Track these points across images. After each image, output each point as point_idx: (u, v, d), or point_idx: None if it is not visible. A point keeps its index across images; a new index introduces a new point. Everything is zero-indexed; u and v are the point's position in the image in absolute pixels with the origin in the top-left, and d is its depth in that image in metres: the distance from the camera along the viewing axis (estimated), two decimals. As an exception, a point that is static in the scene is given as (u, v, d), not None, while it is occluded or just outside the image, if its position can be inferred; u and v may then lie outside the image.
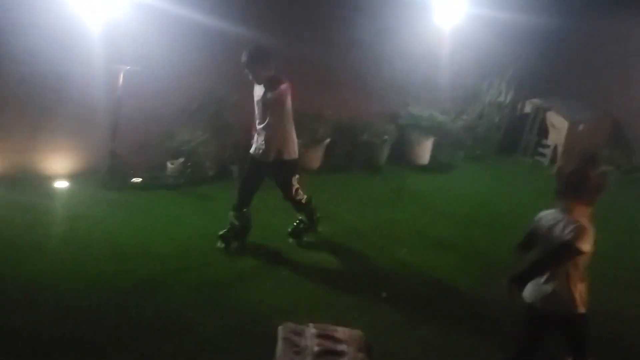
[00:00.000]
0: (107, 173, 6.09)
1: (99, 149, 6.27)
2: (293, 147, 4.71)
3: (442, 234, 5.60)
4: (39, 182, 6.03)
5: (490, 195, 7.12)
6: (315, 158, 7.58)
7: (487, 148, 8.86)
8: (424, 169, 8.18)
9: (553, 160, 8.64)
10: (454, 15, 8.17)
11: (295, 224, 5.04)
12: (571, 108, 8.66)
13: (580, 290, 2.85)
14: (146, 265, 4.41)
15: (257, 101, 4.66)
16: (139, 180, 6.27)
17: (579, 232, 2.73)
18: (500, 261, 4.97)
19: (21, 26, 5.66)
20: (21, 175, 5.99)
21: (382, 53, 7.81)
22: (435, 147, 8.36)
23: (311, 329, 3.51)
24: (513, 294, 2.95)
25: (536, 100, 8.94)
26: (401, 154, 8.27)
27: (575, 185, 2.87)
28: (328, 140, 7.54)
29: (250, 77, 4.60)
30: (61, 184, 6.08)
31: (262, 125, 4.60)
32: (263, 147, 4.60)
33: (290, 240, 5.02)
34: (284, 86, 4.51)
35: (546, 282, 2.87)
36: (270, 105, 4.52)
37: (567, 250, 2.75)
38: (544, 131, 8.90)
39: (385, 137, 7.90)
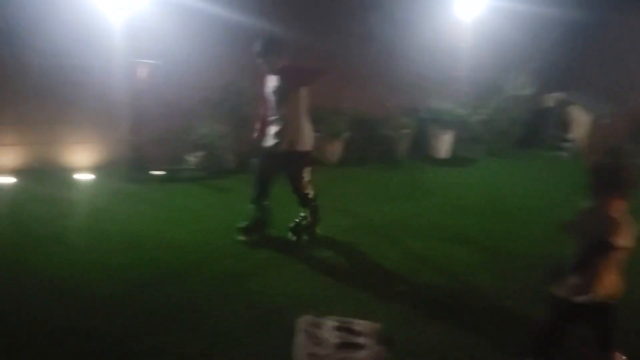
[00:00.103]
0: (128, 166, 6.16)
1: (120, 142, 6.36)
2: (307, 139, 4.62)
3: (460, 228, 5.56)
4: (61, 174, 6.14)
5: (510, 189, 7.05)
6: (334, 152, 7.59)
7: (507, 142, 8.77)
8: (443, 163, 8.14)
9: (574, 154, 8.53)
10: (474, 8, 8.09)
11: (297, 220, 4.90)
12: (594, 102, 8.53)
13: (611, 283, 2.83)
14: (165, 257, 4.45)
15: (271, 91, 4.56)
16: (159, 173, 6.34)
17: (613, 227, 2.70)
18: (519, 256, 4.94)
19: (45, 21, 5.75)
20: (44, 168, 6.12)
21: (401, 46, 7.77)
22: (455, 141, 8.31)
23: (330, 322, 3.53)
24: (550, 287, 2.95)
25: (558, 94, 8.83)
26: (420, 148, 8.24)
27: (609, 180, 2.83)
28: (347, 134, 7.54)
29: (264, 66, 4.50)
30: (83, 176, 6.18)
31: (276, 116, 4.54)
32: (276, 137, 4.54)
33: (290, 236, 4.87)
34: (299, 76, 4.44)
35: (578, 274, 2.85)
36: (286, 95, 4.45)
37: (601, 246, 2.73)
38: (565, 125, 8.78)
39: (404, 131, 7.87)
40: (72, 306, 3.63)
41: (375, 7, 7.50)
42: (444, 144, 8.27)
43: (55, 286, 3.87)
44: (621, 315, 2.96)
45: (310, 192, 4.77)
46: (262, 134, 4.79)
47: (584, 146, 8.49)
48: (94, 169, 6.37)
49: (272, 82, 4.54)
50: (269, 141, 4.62)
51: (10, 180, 5.83)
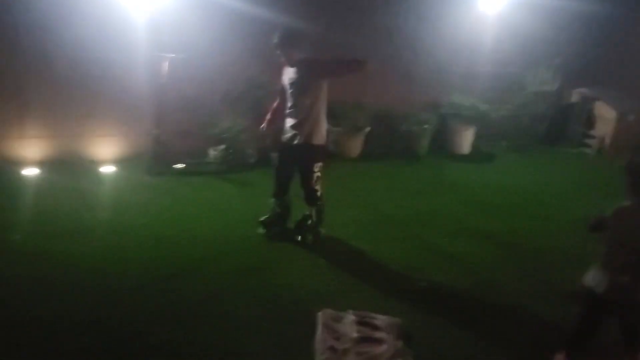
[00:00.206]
0: (151, 159, 6.24)
1: (143, 135, 6.43)
2: (323, 132, 4.56)
3: (482, 224, 5.53)
4: (85, 166, 6.24)
5: (532, 186, 6.97)
6: (355, 146, 7.58)
7: (530, 138, 8.67)
8: (464, 158, 8.08)
9: (598, 152, 8.40)
10: (498, 2, 7.98)
11: (301, 219, 4.77)
12: (620, 98, 8.38)
13: None
14: (187, 250, 4.50)
15: (289, 84, 4.48)
16: (181, 166, 6.41)
17: None
18: (541, 254, 4.90)
19: (71, 15, 5.84)
20: (69, 160, 6.22)
21: (424, 40, 7.71)
22: (477, 137, 8.24)
23: (350, 316, 3.54)
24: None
25: (583, 90, 8.69)
26: (442, 143, 8.19)
27: None
28: (368, 128, 7.52)
29: (282, 58, 4.44)
30: (107, 169, 6.27)
31: (293, 108, 4.49)
32: (293, 130, 4.50)
33: (295, 236, 4.75)
34: (320, 68, 4.39)
35: (620, 272, 2.84)
36: (306, 88, 4.39)
37: None
38: (589, 122, 8.65)
39: (426, 126, 7.83)
40: (96, 297, 3.70)
41: (399, 0, 7.45)
42: (465, 139, 8.20)
43: (79, 277, 3.95)
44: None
45: (319, 189, 4.65)
46: (272, 125, 4.79)
47: (609, 143, 8.35)
48: (117, 161, 6.46)
49: (290, 74, 4.49)
50: (286, 134, 4.58)
51: (35, 171, 5.95)
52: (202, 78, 6.54)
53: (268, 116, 4.89)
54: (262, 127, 4.93)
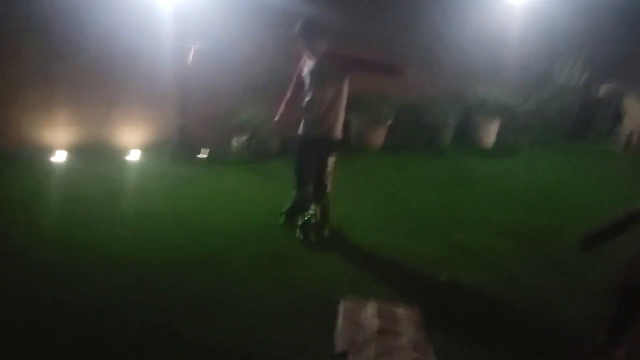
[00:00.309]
0: (175, 147, 6.30)
1: (168, 124, 6.50)
2: (340, 126, 4.46)
3: (504, 219, 5.47)
4: (110, 153, 6.34)
5: (557, 181, 6.88)
6: (378, 138, 7.56)
7: (556, 133, 8.53)
8: (488, 152, 8.00)
9: (627, 148, 8.24)
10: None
11: (306, 218, 4.61)
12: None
13: None
14: (209, 238, 4.55)
15: (309, 75, 4.36)
16: (205, 155, 6.46)
17: None
18: (564, 250, 4.83)
19: (100, 4, 5.91)
20: (95, 147, 6.32)
21: (449, 32, 7.62)
22: (501, 131, 8.13)
23: (371, 307, 3.56)
24: None
25: (612, 85, 8.51)
26: (465, 136, 8.11)
27: None
28: (391, 120, 7.49)
29: (304, 50, 4.32)
30: (131, 156, 6.35)
31: (314, 102, 4.37)
32: (312, 122, 4.42)
33: (298, 235, 4.62)
34: (348, 63, 4.29)
35: None
36: (329, 81, 4.29)
37: None
38: (618, 117, 8.48)
39: (449, 118, 7.76)
40: (120, 282, 3.76)
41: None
42: (489, 132, 8.12)
43: (104, 262, 4.02)
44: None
45: (328, 185, 4.54)
46: (286, 117, 4.72)
47: (636, 140, 8.19)
48: (142, 149, 6.55)
49: (310, 65, 4.38)
50: (304, 127, 4.51)
51: (62, 158, 6.05)
52: (226, 68, 6.57)
53: (282, 107, 4.77)
54: (276, 119, 4.82)
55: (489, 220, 5.42)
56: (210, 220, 4.89)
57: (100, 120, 6.42)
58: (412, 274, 4.22)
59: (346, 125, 4.65)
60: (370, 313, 3.50)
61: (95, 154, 6.23)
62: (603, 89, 8.65)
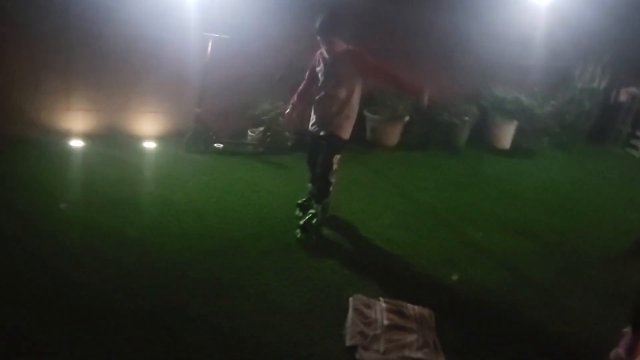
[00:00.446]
0: (191, 137, 6.33)
1: (185, 114, 6.53)
2: (351, 128, 4.39)
3: (520, 220, 5.44)
4: (129, 140, 6.39)
5: (574, 184, 6.81)
6: (394, 135, 7.53)
7: (575, 136, 8.44)
8: (505, 153, 7.95)
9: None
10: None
11: (307, 217, 4.59)
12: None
13: None
14: (226, 227, 4.56)
15: (325, 72, 4.28)
16: (220, 145, 6.48)
17: None
18: (581, 253, 4.80)
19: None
20: (113, 134, 6.37)
21: (469, 31, 7.56)
22: (519, 132, 8.06)
23: (382, 303, 3.56)
24: None
25: (633, 89, 8.40)
26: (482, 136, 8.06)
27: None
28: (407, 118, 7.46)
29: (323, 45, 4.20)
30: (149, 144, 6.40)
31: (327, 99, 4.30)
32: (322, 120, 4.36)
33: (298, 234, 4.52)
34: (365, 66, 4.20)
35: None
36: (345, 81, 4.23)
37: None
38: (638, 122, 8.37)
39: (467, 117, 7.71)
40: (138, 267, 3.79)
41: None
42: (506, 133, 8.05)
43: (122, 247, 4.05)
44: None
45: (332, 183, 4.50)
46: (297, 109, 4.65)
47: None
48: (160, 137, 6.59)
49: (327, 61, 4.29)
50: (314, 123, 4.46)
51: (81, 143, 6.11)
52: (245, 59, 6.59)
53: (294, 99, 4.68)
54: (287, 112, 4.73)
55: (504, 220, 5.40)
56: (225, 210, 4.91)
57: (118, 107, 6.47)
58: (423, 272, 4.22)
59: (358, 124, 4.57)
60: (380, 308, 3.50)
61: (112, 140, 6.27)
62: (623, 94, 8.54)
